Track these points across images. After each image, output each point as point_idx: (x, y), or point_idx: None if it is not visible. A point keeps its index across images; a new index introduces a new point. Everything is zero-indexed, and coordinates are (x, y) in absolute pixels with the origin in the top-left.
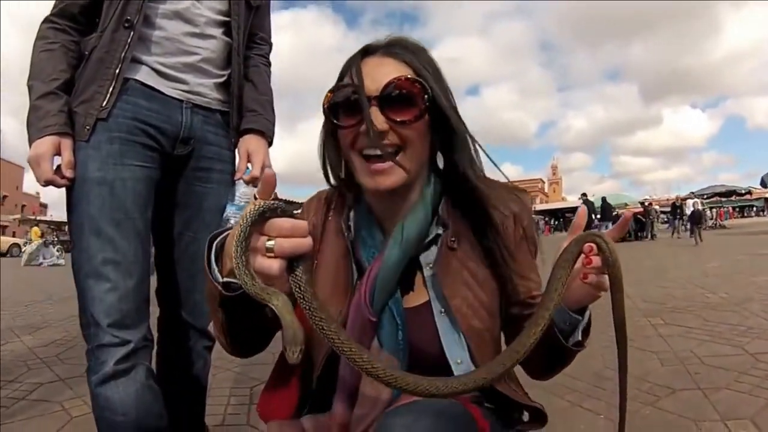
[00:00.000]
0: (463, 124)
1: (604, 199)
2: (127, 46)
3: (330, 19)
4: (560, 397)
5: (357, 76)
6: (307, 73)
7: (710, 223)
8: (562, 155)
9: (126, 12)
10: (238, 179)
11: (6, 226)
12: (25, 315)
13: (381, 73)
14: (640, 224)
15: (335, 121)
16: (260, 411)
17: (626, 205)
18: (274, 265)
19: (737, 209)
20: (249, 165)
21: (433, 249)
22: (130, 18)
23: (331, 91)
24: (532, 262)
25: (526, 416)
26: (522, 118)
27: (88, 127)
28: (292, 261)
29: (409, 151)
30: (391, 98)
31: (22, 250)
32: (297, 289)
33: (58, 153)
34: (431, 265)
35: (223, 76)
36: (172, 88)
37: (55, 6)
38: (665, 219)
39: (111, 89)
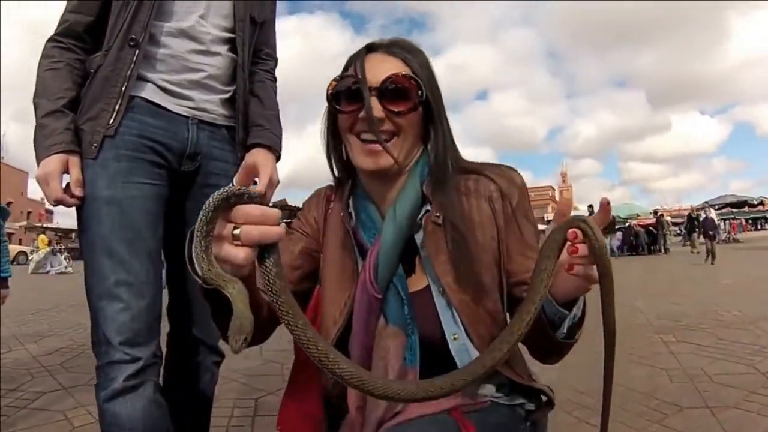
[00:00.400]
0: (446, 119)
1: None
2: (132, 65)
3: (337, 24)
4: (568, 412)
5: (360, 69)
6: (314, 78)
7: (724, 236)
8: (571, 161)
9: (131, 31)
10: None
11: (12, 234)
12: (31, 323)
13: (382, 69)
14: (653, 237)
15: (337, 107)
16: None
17: (638, 215)
18: (240, 254)
19: (750, 221)
20: (256, 180)
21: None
22: (136, 37)
23: (336, 79)
24: (524, 239)
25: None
26: (530, 124)
27: (95, 145)
28: (263, 252)
29: (401, 138)
30: (389, 91)
31: (29, 258)
32: (266, 281)
33: (67, 171)
34: (423, 246)
35: (228, 92)
36: (177, 104)
37: (59, 25)
38: (678, 231)
39: (117, 107)
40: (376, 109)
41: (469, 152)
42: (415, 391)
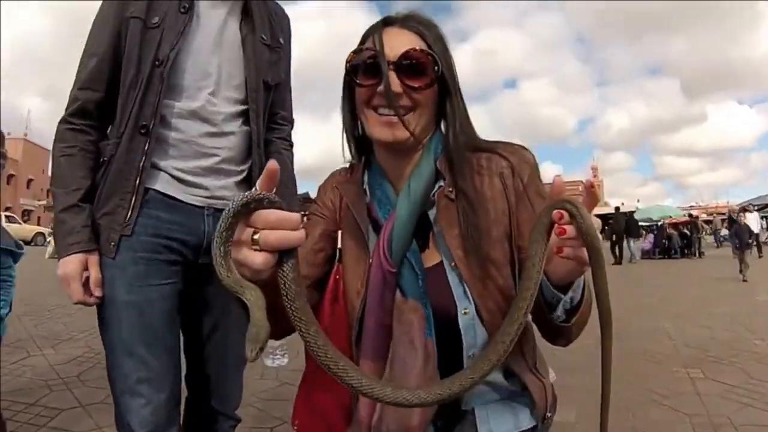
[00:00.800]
0: (461, 95)
1: (631, 215)
2: (144, 156)
3: (363, 7)
4: None
5: (378, 43)
6: (338, 62)
7: (764, 237)
8: (602, 154)
9: (142, 116)
10: None
11: (31, 211)
12: (48, 322)
13: (398, 42)
14: (687, 239)
15: (356, 80)
16: (298, 427)
17: (670, 217)
18: (256, 259)
19: None
20: None
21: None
22: (146, 123)
23: (354, 52)
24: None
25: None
26: (560, 114)
27: (113, 243)
28: (282, 256)
29: (418, 113)
30: (406, 66)
31: (47, 240)
32: (282, 286)
33: (86, 268)
34: (436, 221)
35: (243, 171)
36: (191, 194)
37: (70, 104)
38: (710, 231)
39: (132, 202)
40: (394, 83)
41: None
42: (425, 397)
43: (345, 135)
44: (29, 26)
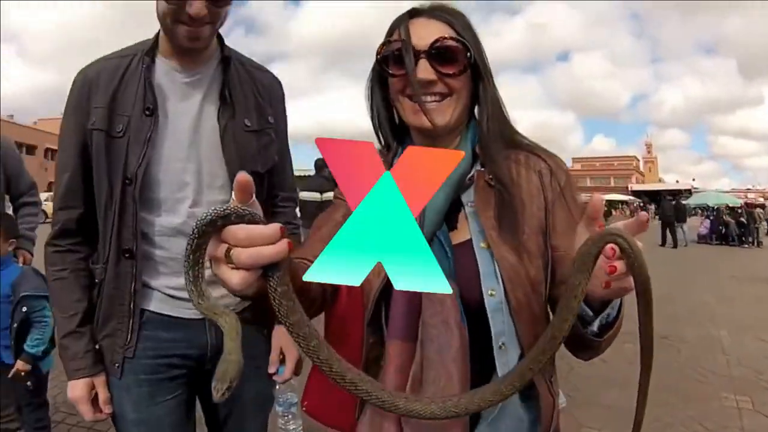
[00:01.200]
0: (493, 82)
1: (678, 201)
2: (134, 279)
3: None
4: None
5: (405, 33)
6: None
7: None
8: (657, 131)
9: (122, 240)
10: (275, 383)
11: None
12: None
13: (428, 32)
14: (744, 227)
15: (388, 71)
16: (307, 408)
17: (727, 205)
18: (233, 278)
19: None
20: (283, 364)
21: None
22: (129, 247)
23: (383, 45)
24: (572, 219)
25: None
26: (614, 88)
27: (116, 364)
28: (266, 270)
29: (454, 99)
30: (439, 53)
31: None
32: (273, 302)
33: (94, 388)
34: (472, 203)
35: None
36: (188, 309)
37: (53, 226)
38: (764, 216)
39: (131, 325)
40: (428, 71)
41: (552, 116)
42: (438, 412)
43: (375, 122)
44: (76, 10)
